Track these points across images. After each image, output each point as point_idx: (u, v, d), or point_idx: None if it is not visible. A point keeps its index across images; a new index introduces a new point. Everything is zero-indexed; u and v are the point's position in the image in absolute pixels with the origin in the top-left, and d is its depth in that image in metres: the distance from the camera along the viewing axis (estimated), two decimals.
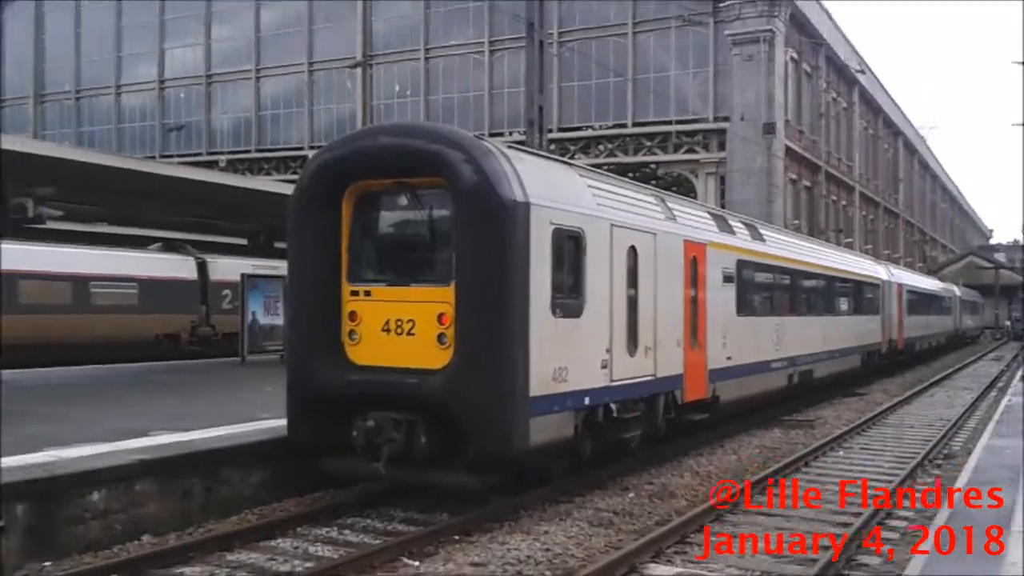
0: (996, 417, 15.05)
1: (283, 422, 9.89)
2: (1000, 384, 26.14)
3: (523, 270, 9.22)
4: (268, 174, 45.86)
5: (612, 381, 10.89)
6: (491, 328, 9.08)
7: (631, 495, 10.49)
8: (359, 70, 43.70)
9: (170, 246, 27.48)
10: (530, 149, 12.01)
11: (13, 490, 7.49)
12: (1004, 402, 17.56)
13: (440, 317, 9.35)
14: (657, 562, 7.93)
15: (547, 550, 8.01)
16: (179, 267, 26.17)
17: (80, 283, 22.83)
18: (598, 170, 13.44)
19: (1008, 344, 58.65)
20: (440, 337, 9.34)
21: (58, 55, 52.99)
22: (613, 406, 10.95)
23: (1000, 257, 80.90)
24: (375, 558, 7.74)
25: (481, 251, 9.18)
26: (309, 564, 7.71)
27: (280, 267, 17.90)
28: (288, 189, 15.49)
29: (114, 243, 26.31)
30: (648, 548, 8.07)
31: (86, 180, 15.53)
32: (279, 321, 20.30)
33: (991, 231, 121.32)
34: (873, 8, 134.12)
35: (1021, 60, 46.93)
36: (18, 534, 7.49)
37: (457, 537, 8.55)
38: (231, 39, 48.70)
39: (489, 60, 41.81)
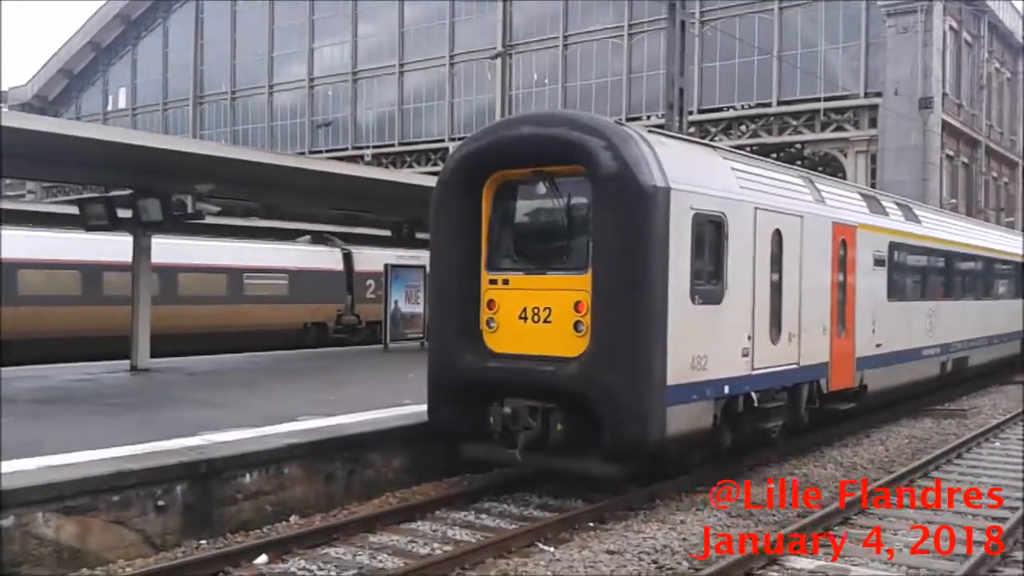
0: None
1: (424, 408, 10.18)
2: None
3: (662, 257, 9.14)
4: (410, 167, 47.10)
5: (753, 370, 10.67)
6: (627, 316, 9.05)
7: (772, 486, 10.25)
8: (499, 60, 44.20)
9: (318, 238, 28.64)
10: (671, 133, 11.89)
11: (171, 472, 8.00)
12: None
13: (577, 305, 9.39)
14: (799, 554, 7.74)
15: (683, 539, 7.97)
16: (326, 258, 27.24)
17: (234, 275, 24.11)
18: (743, 152, 13.13)
19: None
20: (576, 325, 9.38)
21: (215, 58, 56.06)
22: (754, 395, 10.73)
23: None
24: (511, 543, 7.88)
25: (619, 238, 9.15)
26: (448, 547, 7.93)
27: (422, 257, 18.43)
28: (429, 181, 15.97)
29: (266, 236, 27.66)
30: (789, 540, 7.88)
31: (240, 176, 16.37)
32: (419, 309, 20.90)
33: None
34: None
35: None
36: (177, 513, 8.01)
37: (592, 524, 8.61)
38: (376, 35, 50.20)
39: (628, 44, 41.46)
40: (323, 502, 9.22)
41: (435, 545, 8.04)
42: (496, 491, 9.92)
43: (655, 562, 7.38)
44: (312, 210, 28.42)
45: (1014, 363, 23.69)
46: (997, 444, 13.57)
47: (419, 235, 21.32)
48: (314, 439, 9.41)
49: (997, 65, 44.07)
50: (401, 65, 48.83)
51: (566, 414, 9.15)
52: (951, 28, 37.21)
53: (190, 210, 15.82)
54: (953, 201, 37.23)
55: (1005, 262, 22.94)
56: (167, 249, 19.51)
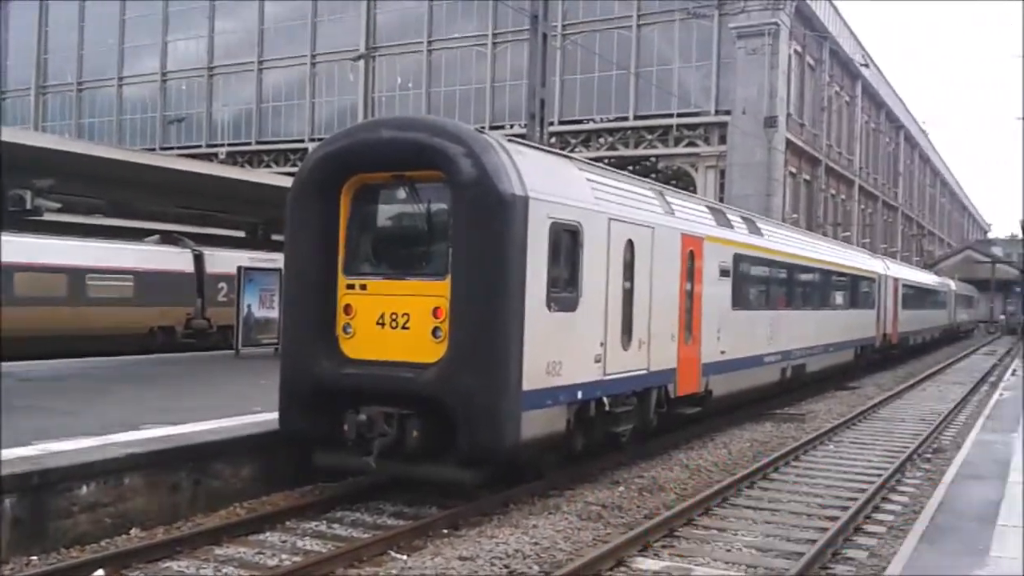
0: (986, 412, 15.10)
1: (275, 415, 9.93)
2: (992, 379, 26.18)
3: (519, 264, 9.27)
4: (268, 166, 45.94)
5: (605, 375, 10.94)
6: (485, 322, 9.13)
7: (621, 489, 10.54)
8: (361, 63, 43.73)
9: (167, 238, 27.49)
10: (530, 143, 12.05)
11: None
12: (995, 397, 17.60)
13: (435, 311, 9.40)
14: (645, 556, 7.99)
15: (535, 544, 8.07)
16: (175, 259, 26.13)
17: (76, 275, 22.84)
18: (598, 163, 13.47)
19: (1002, 339, 58.70)
20: (435, 331, 9.38)
21: (61, 47, 53.06)
22: (606, 400, 11.01)
23: (997, 251, 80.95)
24: (363, 552, 7.78)
25: (478, 245, 9.22)
26: (297, 558, 7.76)
27: (277, 260, 17.92)
28: (287, 182, 15.59)
29: (111, 235, 26.31)
30: (636, 542, 8.13)
31: (85, 172, 15.56)
32: (274, 314, 20.34)
33: (989, 225, 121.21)
34: (877, 3, 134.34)
35: (1022, 54, 46.79)
36: (6, 527, 7.51)
37: (446, 531, 8.60)
38: (234, 31, 48.75)
39: (492, 53, 41.86)
40: (167, 514, 8.84)
41: (283, 556, 7.84)
42: (350, 500, 9.78)
43: (507, 567, 7.45)
44: (161, 209, 27.25)
45: (848, 370, 25.27)
46: (831, 446, 14.40)
47: (275, 237, 20.80)
48: (157, 448, 9.01)
49: (837, 89, 46.98)
50: (260, 62, 47.61)
51: (423, 420, 9.13)
52: (796, 52, 39.42)
53: (28, 206, 14.91)
54: (795, 215, 39.39)
55: (841, 275, 24.42)
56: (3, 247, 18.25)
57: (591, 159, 19.37)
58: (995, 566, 6.03)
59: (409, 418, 9.11)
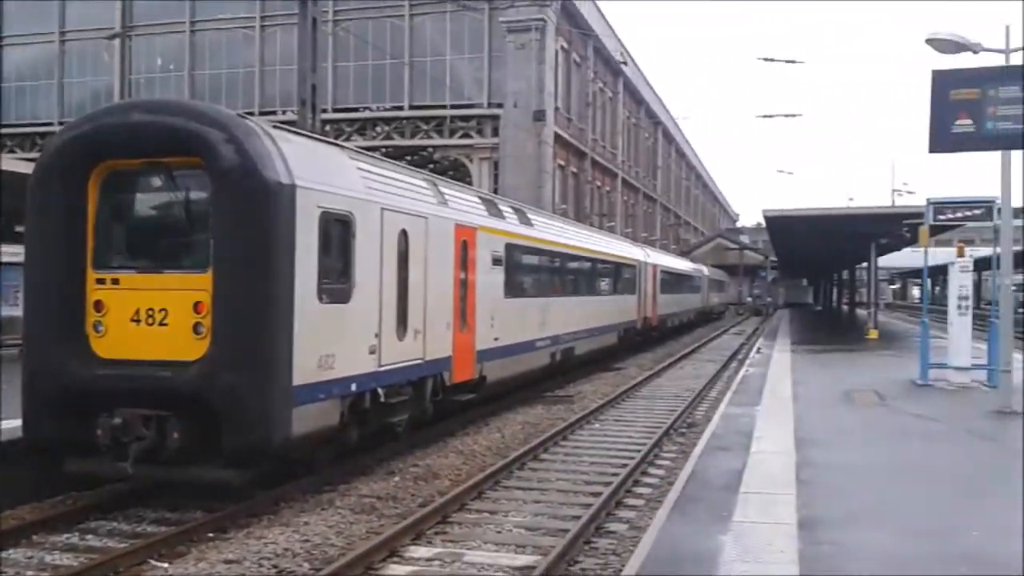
0: (733, 387, 16.43)
1: (18, 422, 9.11)
2: (740, 357, 28.55)
3: (287, 255, 9.04)
4: (12, 151, 41.84)
5: (380, 366, 10.91)
6: (251, 317, 8.84)
7: (396, 479, 10.56)
8: (117, 41, 40.77)
9: None
10: (298, 130, 11.74)
11: None
12: (741, 373, 19.20)
13: (196, 306, 8.97)
14: (418, 544, 8.05)
15: (306, 541, 7.92)
16: None
17: None
18: (371, 153, 13.37)
19: (749, 319, 64.16)
20: (196, 327, 8.96)
21: None
22: (381, 391, 10.98)
23: (744, 239, 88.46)
24: (119, 563, 7.31)
25: (241, 236, 8.91)
26: (44, 574, 7.17)
27: (22, 253, 16.38)
28: (30, 168, 14.26)
29: None
30: (409, 531, 8.18)
31: None
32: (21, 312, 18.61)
33: (738, 215, 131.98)
34: (636, 5, 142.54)
35: (765, 57, 51.47)
36: None
37: (211, 535, 8.24)
38: None
39: (260, 36, 40.34)
40: None
41: (29, 574, 7.22)
42: (105, 508, 9.15)
43: (276, 567, 7.26)
44: None
45: (613, 352, 26.67)
46: (597, 425, 15.14)
47: (20, 228, 19.01)
48: None
49: (601, 85, 49.25)
50: (0, 39, 43.26)
51: (185, 421, 8.70)
52: (562, 48, 40.90)
53: None
54: (564, 206, 40.96)
55: (606, 262, 25.73)
56: None
57: (367, 148, 19.18)
58: (737, 531, 6.57)
59: (169, 419, 8.65)
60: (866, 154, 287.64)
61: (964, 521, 6.90)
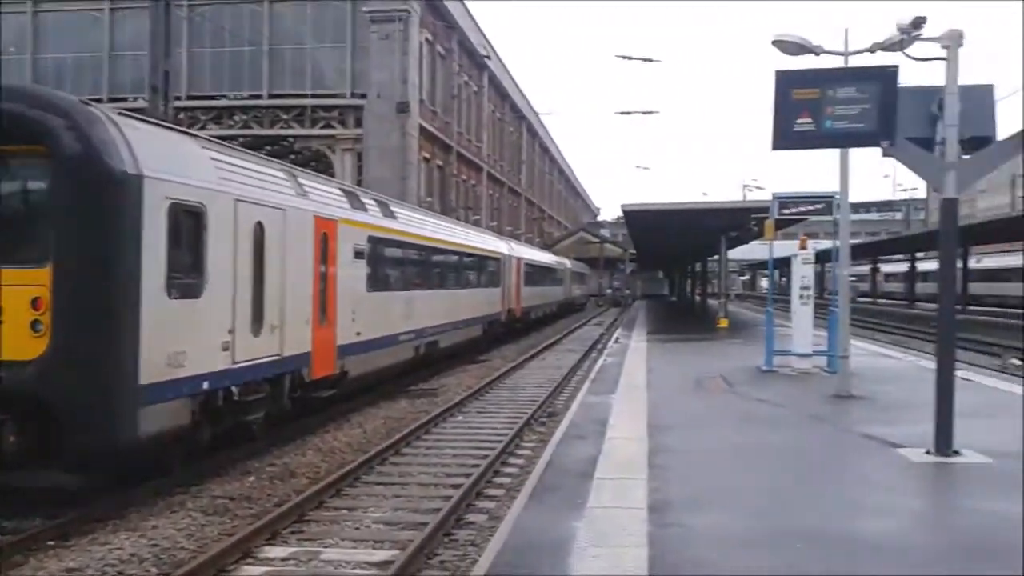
0: (592, 376, 16.83)
1: None
2: (599, 346, 29.27)
3: (132, 249, 8.70)
4: None
5: (235, 363, 10.61)
6: (93, 313, 8.48)
7: (251, 479, 10.30)
8: None
9: None
10: (146, 117, 11.25)
11: None
12: (599, 363, 19.70)
13: (35, 302, 8.50)
14: (273, 544, 7.89)
15: (154, 545, 7.63)
16: None
17: None
18: (225, 143, 12.95)
19: (609, 310, 65.82)
20: (34, 324, 8.48)
21: None
22: (235, 389, 10.69)
23: (605, 233, 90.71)
24: None
25: (84, 228, 8.55)
26: None
27: None
28: None
29: None
30: (263, 531, 8.00)
31: None
32: None
33: (599, 209, 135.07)
34: (500, 3, 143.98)
35: (623, 55, 52.60)
36: None
37: (52, 543, 7.80)
38: None
39: (110, 19, 38.37)
40: None
41: None
42: None
43: (121, 573, 6.97)
44: None
45: (478, 344, 26.83)
46: (460, 417, 15.21)
47: None
48: None
49: (466, 79, 49.33)
50: None
51: (20, 424, 8.21)
52: (427, 40, 40.73)
53: None
54: (429, 199, 40.87)
55: (470, 255, 25.84)
56: None
57: (223, 138, 18.58)
58: (590, 517, 6.75)
59: (4, 423, 8.15)
60: (720, 150, 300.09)
61: (802, 500, 7.32)
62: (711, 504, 7.07)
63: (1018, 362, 24.17)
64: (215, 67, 37.71)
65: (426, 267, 20.87)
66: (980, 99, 8.56)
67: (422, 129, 38.99)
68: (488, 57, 51.00)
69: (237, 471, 10.66)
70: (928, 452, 8.68)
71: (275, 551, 7.70)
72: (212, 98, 37.70)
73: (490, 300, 28.64)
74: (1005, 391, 13.83)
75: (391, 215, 18.33)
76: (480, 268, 27.33)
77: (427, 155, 41.06)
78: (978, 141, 8.42)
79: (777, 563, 5.58)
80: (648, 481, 7.79)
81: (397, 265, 18.59)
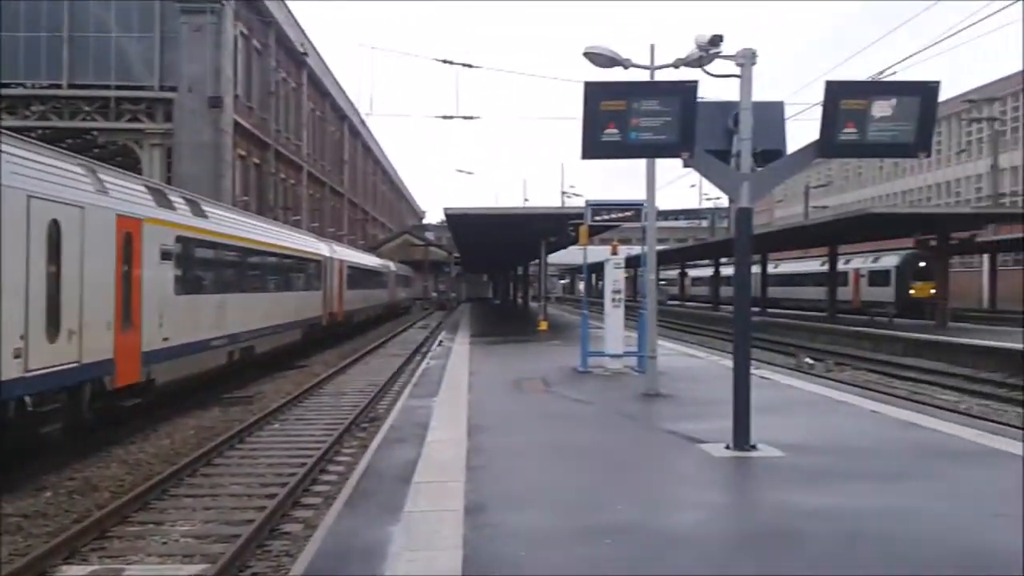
0: (415, 380, 16.81)
1: None
2: (423, 350, 29.28)
3: None
4: None
5: (28, 371, 9.93)
6: None
7: (48, 494, 9.64)
8: None
9: None
10: None
11: None
12: (423, 366, 19.71)
13: None
14: (71, 563, 7.41)
15: None
16: None
17: None
18: (18, 135, 12.02)
19: (434, 313, 66.02)
20: None
21: None
22: (28, 399, 9.97)
23: (430, 236, 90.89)
24: None
25: None
26: None
27: None
28: None
29: None
30: (61, 549, 7.50)
31: None
32: None
33: (424, 212, 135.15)
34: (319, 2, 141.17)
35: (442, 59, 52.53)
36: None
37: None
38: None
39: None
40: None
41: None
42: None
43: None
44: None
45: (297, 349, 26.20)
46: (277, 425, 14.81)
47: None
48: None
49: (284, 75, 48.08)
50: None
51: None
52: (242, 34, 39.40)
53: None
54: (246, 198, 39.55)
55: (289, 257, 25.20)
56: None
57: (19, 130, 17.18)
58: (407, 521, 6.74)
59: None
60: (541, 156, 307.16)
61: (611, 496, 7.60)
62: (526, 503, 7.22)
63: (811, 361, 26.13)
64: (9, 53, 34.96)
65: (241, 269, 20.19)
66: (772, 114, 9.18)
67: (237, 125, 37.69)
68: (306, 54, 49.97)
69: (31, 487, 9.94)
70: (728, 447, 9.20)
71: (74, 570, 7.24)
72: (6, 86, 34.90)
73: (310, 304, 28.05)
74: (799, 388, 14.91)
75: (202, 214, 17.62)
76: (300, 271, 26.72)
77: (243, 152, 39.73)
78: (770, 154, 9.03)
79: (586, 558, 5.78)
80: (465, 483, 7.87)
81: (209, 267, 17.88)
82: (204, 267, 17.50)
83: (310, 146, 54.68)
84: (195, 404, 16.46)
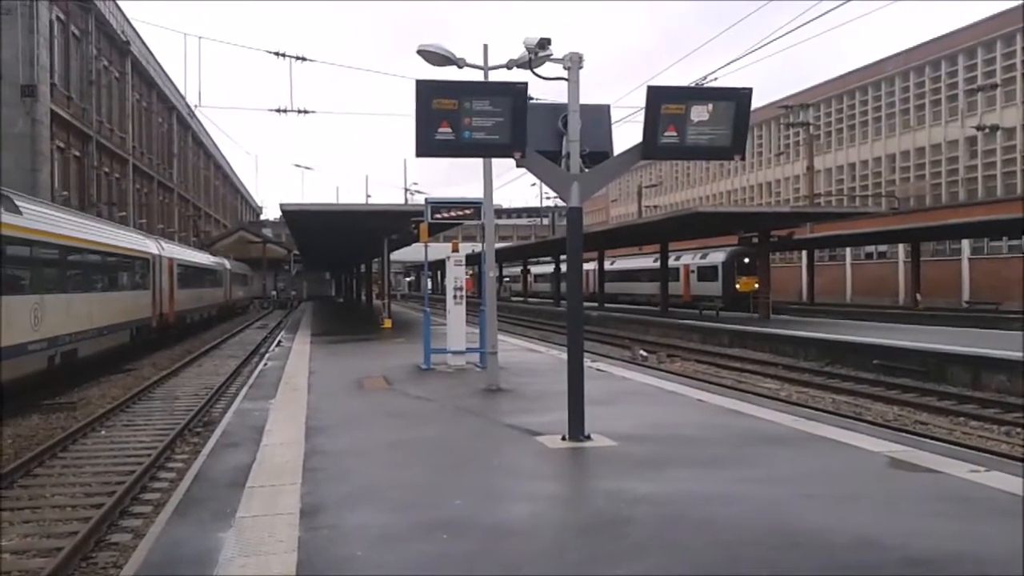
0: (251, 382, 16.39)
1: None
2: (262, 350, 28.53)
3: None
4: None
5: None
6: None
7: None
8: None
9: None
10: None
11: None
12: (259, 367, 19.22)
13: None
14: None
15: None
16: None
17: None
18: None
19: (274, 312, 64.38)
20: None
21: None
22: None
23: (268, 232, 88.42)
24: None
25: None
26: None
27: None
28: None
29: None
30: None
31: None
32: None
33: (262, 208, 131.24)
34: None
35: (277, 52, 50.89)
36: None
37: None
38: None
39: None
40: None
41: None
42: None
43: None
44: None
45: (125, 352, 24.95)
46: (103, 432, 14.10)
47: None
48: None
49: (106, 63, 45.53)
50: None
51: None
52: (59, 19, 37.06)
53: None
54: (65, 194, 37.25)
55: (114, 255, 23.94)
56: None
57: None
58: (239, 526, 6.60)
59: None
60: (383, 153, 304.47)
61: (449, 491, 7.70)
62: (363, 503, 7.22)
63: (645, 354, 27.22)
64: None
65: (60, 268, 19.05)
66: (599, 117, 9.54)
67: (55, 116, 35.45)
68: (129, 43, 47.55)
69: None
70: (564, 439, 9.51)
71: None
72: None
73: (138, 304, 26.78)
74: (632, 380, 15.52)
75: (16, 210, 16.53)
76: (126, 269, 25.46)
77: (62, 144, 37.40)
78: (597, 155, 9.37)
79: (422, 553, 5.86)
80: (302, 485, 7.78)
81: (23, 266, 16.78)
82: (18, 266, 16.42)
83: (136, 139, 52.07)
84: (13, 412, 15.44)
